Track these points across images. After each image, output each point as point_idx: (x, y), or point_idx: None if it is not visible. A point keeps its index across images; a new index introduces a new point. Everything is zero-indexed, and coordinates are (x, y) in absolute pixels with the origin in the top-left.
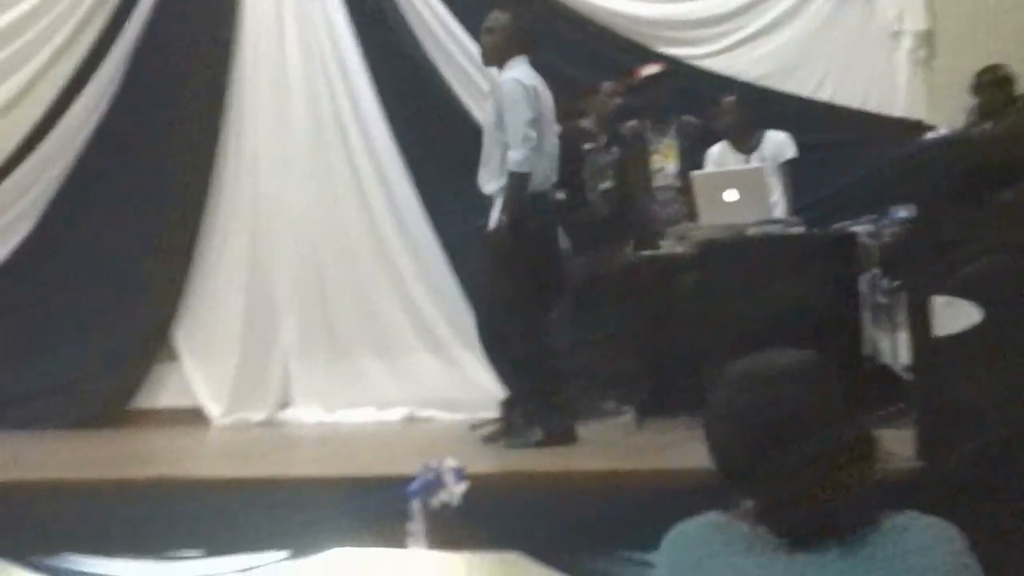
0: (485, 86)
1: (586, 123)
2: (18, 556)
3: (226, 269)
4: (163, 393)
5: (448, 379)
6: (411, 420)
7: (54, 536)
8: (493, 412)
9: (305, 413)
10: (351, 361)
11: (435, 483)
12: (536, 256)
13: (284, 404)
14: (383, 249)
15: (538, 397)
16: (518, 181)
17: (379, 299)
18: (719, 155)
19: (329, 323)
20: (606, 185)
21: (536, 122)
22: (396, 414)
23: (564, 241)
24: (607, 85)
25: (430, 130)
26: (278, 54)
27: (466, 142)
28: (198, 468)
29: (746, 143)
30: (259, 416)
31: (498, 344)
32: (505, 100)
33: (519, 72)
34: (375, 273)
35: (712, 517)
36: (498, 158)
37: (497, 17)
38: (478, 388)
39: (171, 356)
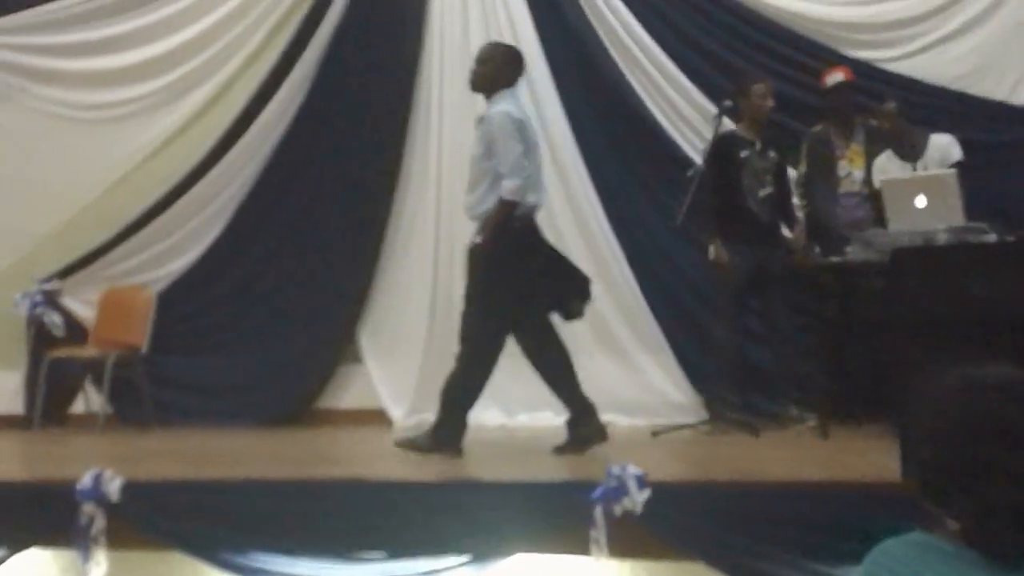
0: (672, 93)
1: (739, 128)
2: (207, 553)
3: (411, 271)
4: (347, 394)
5: (629, 384)
6: None
7: (242, 534)
8: (674, 418)
9: (486, 416)
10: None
11: (618, 490)
12: (517, 273)
13: None
14: (563, 252)
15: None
16: (507, 208)
17: None
18: (884, 165)
19: None
20: (766, 191)
21: (526, 154)
22: None
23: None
24: (759, 87)
25: (612, 135)
26: (464, 58)
27: (648, 148)
28: (381, 469)
29: (909, 150)
30: None
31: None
32: (496, 132)
33: (508, 105)
34: None
35: (916, 536)
36: (485, 186)
37: (491, 49)
38: (659, 394)
39: (356, 358)
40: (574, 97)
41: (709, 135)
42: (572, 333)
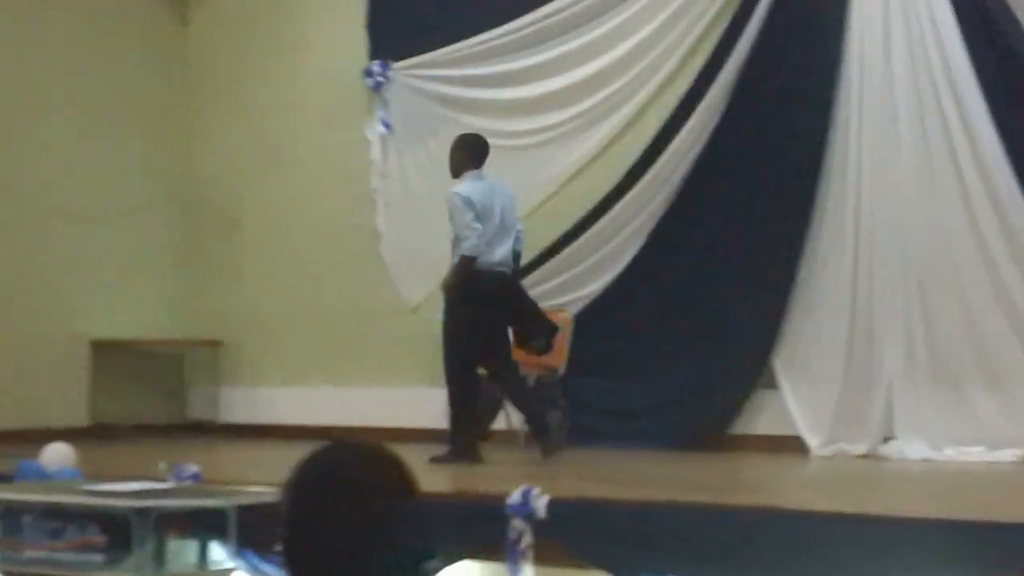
0: None
1: None
2: (615, 570)
3: (828, 294)
4: (762, 420)
5: None
6: None
7: (662, 557)
8: None
9: (909, 448)
10: (959, 394)
11: None
12: (482, 316)
13: (886, 437)
14: (993, 273)
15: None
16: (467, 262)
17: (989, 327)
18: None
19: (934, 351)
20: None
21: (480, 217)
22: (1009, 455)
23: None
24: None
25: None
26: (884, 70)
27: None
28: (794, 499)
29: None
30: (859, 449)
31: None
32: (450, 208)
33: (465, 186)
34: (985, 299)
35: None
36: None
37: (461, 137)
38: None
39: (771, 383)
40: (1014, 127)
41: None
42: (1004, 359)
